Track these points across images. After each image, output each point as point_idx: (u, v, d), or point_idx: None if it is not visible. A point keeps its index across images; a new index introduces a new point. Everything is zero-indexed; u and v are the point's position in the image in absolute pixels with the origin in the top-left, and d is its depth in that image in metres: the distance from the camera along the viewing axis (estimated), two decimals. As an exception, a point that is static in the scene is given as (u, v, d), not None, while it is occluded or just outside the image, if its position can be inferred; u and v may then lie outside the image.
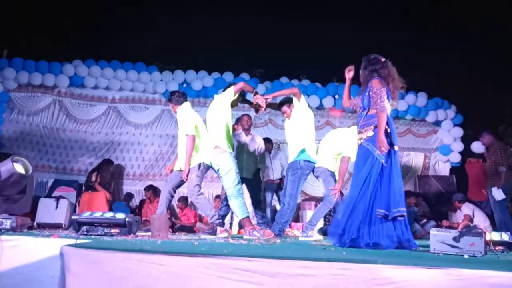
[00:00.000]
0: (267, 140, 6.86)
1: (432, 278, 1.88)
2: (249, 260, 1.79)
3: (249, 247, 2.56)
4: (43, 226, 5.88)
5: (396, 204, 3.21)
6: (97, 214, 3.24)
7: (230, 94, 4.44)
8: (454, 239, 2.90)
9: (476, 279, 1.88)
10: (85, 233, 3.07)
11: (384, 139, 3.24)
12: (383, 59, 3.44)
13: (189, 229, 6.56)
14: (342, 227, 3.19)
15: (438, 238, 2.94)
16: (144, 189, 7.27)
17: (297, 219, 6.96)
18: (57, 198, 6.59)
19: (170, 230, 6.44)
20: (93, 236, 3.07)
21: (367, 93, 3.36)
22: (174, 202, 7.35)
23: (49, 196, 6.81)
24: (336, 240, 3.20)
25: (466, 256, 2.76)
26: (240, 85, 4.51)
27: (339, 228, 3.21)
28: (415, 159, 8.51)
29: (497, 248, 3.42)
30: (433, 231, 2.97)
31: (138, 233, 3.78)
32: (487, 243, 2.93)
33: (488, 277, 1.88)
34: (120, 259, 1.72)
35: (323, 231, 6.04)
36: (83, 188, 6.94)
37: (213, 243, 2.87)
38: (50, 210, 6.34)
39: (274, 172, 6.64)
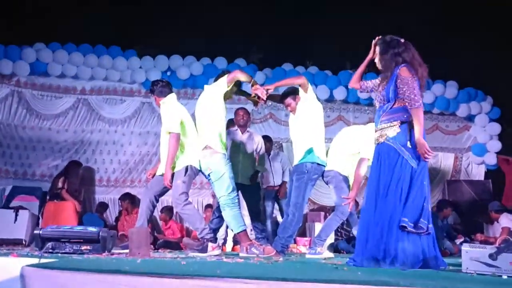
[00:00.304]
0: (266, 139, 6.83)
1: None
2: (246, 283, 1.79)
3: (246, 267, 2.57)
4: (-1, 243, 5.87)
5: (426, 216, 3.23)
6: (65, 228, 3.24)
7: (223, 84, 4.44)
8: (491, 256, 2.90)
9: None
10: (51, 250, 3.07)
11: (425, 142, 3.25)
12: (403, 40, 3.44)
13: (175, 245, 6.54)
14: (382, 247, 3.18)
15: (472, 255, 2.94)
16: (120, 198, 7.26)
17: (303, 233, 6.98)
18: (16, 209, 6.57)
19: (152, 246, 6.44)
20: (60, 254, 3.06)
21: (394, 83, 3.36)
22: (157, 214, 7.35)
23: (6, 206, 6.79)
24: (372, 265, 3.20)
25: (505, 277, 2.76)
26: (235, 73, 4.51)
27: (378, 250, 3.19)
28: (444, 161, 8.55)
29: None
30: (465, 247, 2.98)
31: (113, 250, 3.78)
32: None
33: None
34: (92, 282, 1.72)
35: (335, 247, 6.08)
36: (48, 196, 6.88)
37: (203, 262, 2.87)
38: (8, 223, 6.32)
39: (275, 177, 6.62)
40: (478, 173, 8.46)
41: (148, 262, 2.65)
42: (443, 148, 8.54)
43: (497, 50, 8.66)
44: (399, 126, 3.31)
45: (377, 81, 3.59)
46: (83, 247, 3.14)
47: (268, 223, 6.63)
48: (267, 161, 6.73)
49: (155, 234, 7.25)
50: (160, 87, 4.61)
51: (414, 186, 3.24)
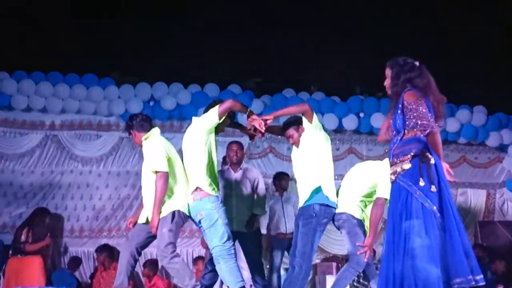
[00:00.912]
0: (280, 176, 6.89)
1: None
2: None
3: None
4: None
5: (457, 270, 3.19)
6: (29, 290, 3.17)
7: (214, 115, 4.44)
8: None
9: None
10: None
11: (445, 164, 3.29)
12: (418, 63, 3.48)
13: (160, 306, 6.50)
14: None
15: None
16: (96, 251, 7.19)
17: (313, 287, 6.90)
18: (-28, 267, 6.50)
19: (134, 308, 6.35)
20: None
21: (400, 111, 3.39)
22: (139, 269, 7.27)
23: (-40, 263, 6.72)
24: None
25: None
26: (228, 104, 4.51)
27: None
28: (475, 199, 8.55)
29: None
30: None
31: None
32: None
33: None
34: None
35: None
36: (10, 251, 6.83)
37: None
38: (-38, 284, 6.24)
39: (287, 223, 6.60)
40: (515, 212, 8.44)
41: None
42: (473, 184, 8.54)
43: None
44: (410, 161, 3.31)
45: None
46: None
47: (275, 278, 6.55)
48: (278, 203, 6.74)
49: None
50: (140, 120, 4.63)
51: (433, 233, 3.22)
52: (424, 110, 3.29)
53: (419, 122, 3.27)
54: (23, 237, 6.73)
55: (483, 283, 3.21)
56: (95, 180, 7.94)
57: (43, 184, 7.82)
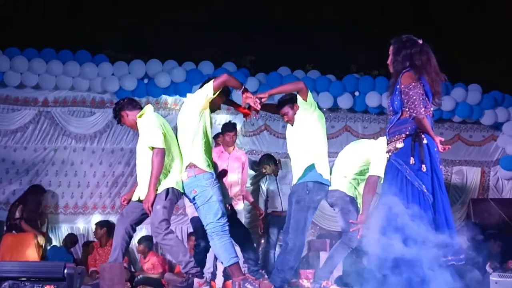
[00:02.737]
0: (272, 161, 7.03)
1: None
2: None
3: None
4: None
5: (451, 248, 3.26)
6: (24, 265, 3.22)
7: (208, 90, 4.44)
8: (524, 287, 2.93)
9: None
10: (6, 291, 3.05)
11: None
12: (421, 41, 3.50)
13: (155, 282, 6.54)
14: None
15: (502, 286, 2.98)
16: (96, 225, 7.20)
17: (306, 264, 6.97)
18: (-32, 243, 6.54)
19: (128, 284, 6.40)
20: (17, 296, 3.05)
21: (397, 92, 3.42)
22: (134, 245, 7.33)
23: (-45, 240, 6.76)
24: None
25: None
26: (223, 78, 4.51)
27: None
28: (469, 176, 8.60)
29: None
30: (494, 277, 3.01)
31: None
32: None
33: None
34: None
35: (344, 282, 6.06)
36: (4, 227, 6.88)
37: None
38: (-42, 260, 6.28)
39: (283, 201, 6.73)
40: (509, 189, 8.50)
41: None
42: (468, 161, 8.60)
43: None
44: (403, 140, 3.36)
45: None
46: (46, 287, 3.12)
47: (271, 255, 6.66)
48: (273, 182, 6.90)
49: (132, 269, 7.22)
50: (128, 100, 4.68)
51: (436, 206, 3.29)
52: (414, 96, 3.33)
53: (408, 105, 3.34)
54: (17, 214, 6.79)
55: (463, 262, 3.30)
56: (89, 157, 7.93)
57: (36, 160, 7.81)
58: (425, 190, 3.29)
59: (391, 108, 3.52)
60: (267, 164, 7.12)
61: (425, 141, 3.37)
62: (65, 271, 3.18)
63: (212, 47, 8.52)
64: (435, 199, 3.32)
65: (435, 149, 3.41)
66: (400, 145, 3.36)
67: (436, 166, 3.38)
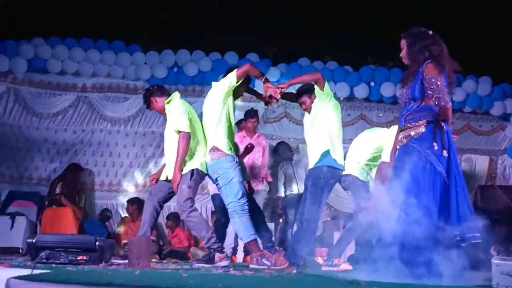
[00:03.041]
0: (285, 147, 7.01)
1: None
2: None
3: (253, 280, 2.56)
4: (-6, 251, 5.96)
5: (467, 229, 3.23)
6: (60, 237, 3.28)
7: (232, 79, 4.43)
8: (524, 270, 2.86)
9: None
10: (44, 260, 3.11)
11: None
12: (431, 33, 3.43)
13: (182, 255, 6.59)
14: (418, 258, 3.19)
15: (503, 269, 2.90)
16: (128, 201, 7.29)
17: (322, 242, 6.95)
18: (13, 215, 6.68)
19: (157, 256, 6.48)
20: (54, 265, 3.10)
21: (419, 81, 3.36)
22: (163, 221, 7.40)
23: (2, 212, 6.91)
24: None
25: (540, 293, 2.71)
26: (245, 67, 4.49)
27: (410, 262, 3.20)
28: (478, 164, 8.46)
29: None
30: (496, 260, 2.94)
31: (113, 261, 3.81)
32: None
33: None
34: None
35: (356, 259, 6.03)
36: (46, 202, 7.00)
37: (207, 274, 2.88)
38: (4, 231, 6.46)
39: (299, 184, 6.71)
40: (515, 177, 8.35)
41: (147, 274, 2.66)
42: (477, 150, 8.44)
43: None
44: (425, 126, 3.30)
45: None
46: (79, 257, 3.17)
47: (289, 233, 6.68)
48: (289, 167, 6.88)
49: (161, 243, 7.30)
50: (157, 87, 4.69)
51: (442, 195, 3.23)
52: (442, 85, 3.27)
53: (436, 95, 3.26)
54: (58, 190, 6.89)
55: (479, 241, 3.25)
56: (123, 139, 7.97)
57: (75, 141, 7.89)
58: (445, 175, 3.24)
59: (409, 96, 3.43)
60: (281, 150, 7.11)
61: (445, 128, 3.31)
62: (97, 243, 3.23)
63: (237, 38, 8.47)
64: (456, 183, 3.27)
65: (453, 138, 3.38)
66: (422, 129, 3.29)
67: (454, 153, 3.33)
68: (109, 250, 3.41)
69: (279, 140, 7.93)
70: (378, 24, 8.64)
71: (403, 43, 3.53)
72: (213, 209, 7.54)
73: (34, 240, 3.31)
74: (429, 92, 3.29)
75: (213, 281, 2.26)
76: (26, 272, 2.55)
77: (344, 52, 8.34)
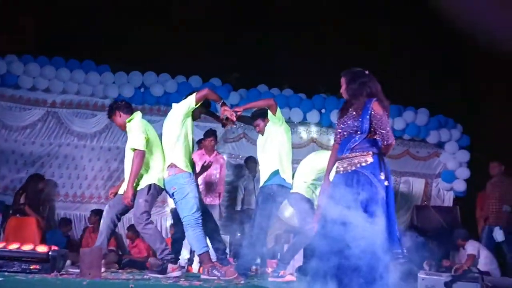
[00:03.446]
0: (249, 160, 7.02)
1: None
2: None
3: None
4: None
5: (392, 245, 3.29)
6: (13, 247, 3.14)
7: (191, 102, 4.42)
8: (446, 285, 2.94)
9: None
10: (-3, 269, 2.98)
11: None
12: (367, 72, 3.53)
13: (140, 265, 6.41)
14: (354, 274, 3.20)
15: (428, 283, 2.97)
16: (91, 212, 7.11)
17: (273, 254, 6.93)
18: (-23, 223, 6.41)
19: (116, 265, 6.31)
20: (6, 273, 2.96)
21: (368, 116, 3.40)
22: (123, 231, 7.22)
23: (-33, 220, 6.62)
24: None
25: (458, 306, 2.78)
26: (204, 92, 4.50)
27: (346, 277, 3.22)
28: (415, 186, 8.62)
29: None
30: (422, 275, 3.01)
31: (70, 270, 3.68)
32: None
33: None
34: (21, 305, 1.66)
35: (303, 271, 6.03)
36: (10, 211, 6.75)
37: (155, 285, 2.81)
38: (-33, 238, 6.15)
39: None
40: (448, 199, 8.56)
41: (94, 284, 2.57)
42: (414, 173, 8.62)
43: (466, 81, 8.89)
44: (371, 156, 3.36)
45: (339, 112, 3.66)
46: (32, 266, 3.04)
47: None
48: (250, 182, 6.88)
49: (119, 253, 7.12)
50: (125, 104, 4.63)
51: (390, 215, 3.30)
52: (387, 123, 3.36)
53: (381, 132, 3.33)
54: (21, 200, 6.66)
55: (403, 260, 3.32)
56: (89, 153, 7.80)
57: (42, 154, 7.68)
58: (384, 198, 3.30)
59: (356, 128, 3.46)
60: (251, 162, 7.10)
61: (385, 161, 3.40)
62: (50, 253, 3.11)
63: (201, 63, 8.48)
64: (389, 208, 3.34)
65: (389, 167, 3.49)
66: (370, 159, 3.34)
67: (391, 181, 3.42)
68: (62, 259, 3.29)
69: (238, 159, 7.96)
70: (330, 58, 8.82)
71: (343, 80, 3.59)
72: (172, 221, 7.50)
73: (-13, 249, 3.17)
74: (375, 127, 3.36)
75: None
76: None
77: (299, 81, 8.45)
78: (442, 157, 8.47)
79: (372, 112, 3.36)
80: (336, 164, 3.52)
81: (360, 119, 3.40)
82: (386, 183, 3.32)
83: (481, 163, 7.84)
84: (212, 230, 4.96)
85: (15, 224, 6.45)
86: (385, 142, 3.34)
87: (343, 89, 3.58)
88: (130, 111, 4.62)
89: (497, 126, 8.40)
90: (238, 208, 7.48)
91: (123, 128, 4.60)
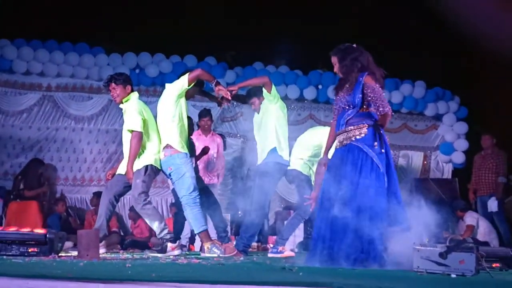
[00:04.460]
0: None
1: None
2: (178, 286, 1.77)
3: (190, 268, 2.53)
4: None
5: (396, 219, 3.30)
6: (11, 230, 3.16)
7: (183, 82, 4.39)
8: (441, 255, 2.93)
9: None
10: (-4, 252, 3.00)
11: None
12: (355, 45, 3.53)
13: (143, 245, 6.47)
14: (351, 246, 3.23)
15: (422, 254, 2.97)
16: (93, 194, 7.13)
17: (274, 231, 6.98)
18: (-22, 208, 6.44)
19: (119, 246, 6.36)
20: (5, 257, 2.99)
21: (359, 90, 3.41)
22: (125, 212, 7.27)
23: (-32, 206, 6.65)
24: (331, 264, 3.22)
25: (453, 276, 2.79)
26: (197, 72, 4.46)
27: (342, 249, 3.24)
28: (414, 159, 8.63)
29: (494, 265, 3.50)
30: (416, 246, 3.01)
31: (71, 252, 3.72)
32: (479, 260, 2.98)
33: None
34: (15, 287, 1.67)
35: (304, 246, 6.08)
36: (11, 196, 6.77)
37: (150, 264, 2.83)
38: (-31, 223, 6.19)
39: None
40: (447, 171, 8.57)
41: (91, 264, 2.59)
42: (412, 147, 8.62)
43: (465, 52, 8.77)
44: (367, 128, 3.38)
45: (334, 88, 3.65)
46: (30, 249, 3.07)
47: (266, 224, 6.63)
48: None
49: (121, 233, 7.18)
50: (126, 77, 4.56)
51: (390, 185, 3.31)
52: (381, 94, 3.39)
53: (377, 103, 3.36)
54: (21, 185, 6.68)
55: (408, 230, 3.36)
56: (87, 136, 7.79)
57: (40, 138, 7.68)
58: (381, 169, 3.32)
59: (349, 102, 3.49)
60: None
61: (381, 132, 3.42)
62: (47, 236, 3.14)
63: (196, 42, 8.39)
64: (389, 176, 3.36)
65: (387, 138, 3.50)
66: (365, 132, 3.37)
67: (389, 151, 3.46)
68: (60, 242, 3.31)
69: (236, 138, 7.95)
70: (327, 34, 8.71)
71: (334, 59, 3.60)
72: (173, 201, 7.53)
73: (-15, 234, 3.19)
74: (369, 100, 3.40)
75: (150, 271, 2.22)
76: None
77: (295, 58, 8.37)
78: (440, 130, 8.46)
79: (365, 86, 3.37)
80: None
81: (352, 94, 3.41)
82: (382, 151, 3.35)
83: (479, 135, 7.82)
84: (213, 209, 4.99)
85: (16, 209, 6.47)
86: (381, 111, 3.37)
87: (336, 68, 3.60)
88: (129, 86, 4.52)
89: (494, 97, 8.35)
90: (238, 186, 7.49)
91: (116, 99, 4.51)
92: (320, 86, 8.04)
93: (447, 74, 8.78)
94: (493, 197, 6.68)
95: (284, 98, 7.63)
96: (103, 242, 4.27)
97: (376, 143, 3.36)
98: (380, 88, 3.40)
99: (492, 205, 6.61)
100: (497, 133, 7.10)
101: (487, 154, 6.99)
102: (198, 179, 5.26)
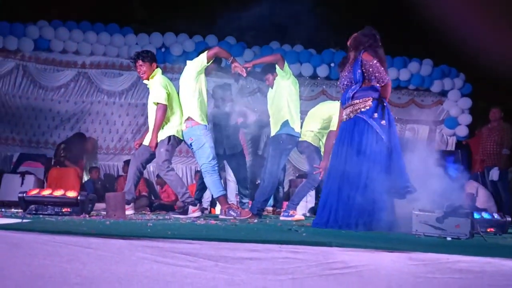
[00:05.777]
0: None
1: (394, 262, 1.87)
2: (190, 243, 1.78)
3: (204, 228, 2.56)
4: (7, 204, 5.89)
5: (401, 180, 3.26)
6: (46, 192, 3.24)
7: (202, 59, 4.35)
8: (438, 220, 2.90)
9: (441, 264, 1.87)
10: (33, 212, 3.08)
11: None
12: (378, 36, 3.48)
13: (169, 208, 6.57)
14: (353, 212, 3.22)
15: (421, 219, 2.94)
16: (124, 162, 7.23)
17: (288, 197, 7.00)
18: (23, 174, 6.61)
19: (148, 209, 6.48)
20: (41, 216, 3.07)
21: (359, 67, 3.37)
22: (154, 178, 7.38)
23: (14, 171, 6.83)
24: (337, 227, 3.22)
25: (449, 239, 2.76)
26: (215, 50, 4.41)
27: (345, 214, 3.23)
28: (420, 133, 8.49)
29: (488, 230, 3.45)
30: (416, 211, 2.98)
31: (102, 213, 3.80)
32: (474, 225, 2.94)
33: (456, 262, 1.87)
34: (43, 242, 1.71)
35: (315, 211, 6.09)
36: (52, 163, 6.92)
37: (170, 224, 2.87)
38: (15, 187, 6.36)
39: None
40: (451, 144, 8.43)
41: (117, 223, 2.64)
42: (419, 121, 8.47)
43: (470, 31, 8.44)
44: (371, 101, 3.34)
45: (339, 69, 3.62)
46: (64, 209, 3.14)
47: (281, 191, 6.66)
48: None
49: (152, 198, 7.30)
50: (153, 55, 4.54)
51: (393, 154, 3.26)
52: (378, 67, 3.34)
53: (375, 76, 3.33)
54: (62, 153, 6.80)
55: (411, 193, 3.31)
56: (118, 110, 7.87)
57: (76, 111, 7.79)
58: (385, 140, 3.28)
59: (351, 79, 3.45)
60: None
61: (385, 104, 3.38)
62: (78, 198, 3.20)
63: (218, 23, 8.28)
64: (392, 146, 3.31)
65: (390, 111, 3.45)
66: (369, 105, 3.33)
67: (393, 122, 3.41)
68: (90, 203, 3.39)
69: (254, 112, 7.91)
70: (339, 14, 8.49)
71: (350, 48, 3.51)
72: (197, 169, 7.60)
73: (24, 195, 3.28)
74: (369, 74, 3.35)
75: (167, 229, 2.25)
76: (16, 221, 2.52)
77: (309, 37, 8.21)
78: (446, 105, 8.29)
79: (363, 61, 3.35)
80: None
81: (352, 71, 3.38)
82: (383, 122, 3.30)
83: (482, 109, 7.63)
84: (241, 177, 5.19)
85: (57, 174, 6.59)
86: (381, 83, 3.35)
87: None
88: (155, 66, 4.50)
89: (498, 74, 8.06)
90: (260, 153, 7.46)
91: (142, 76, 4.49)
92: (332, 64, 7.90)
93: (454, 51, 8.48)
94: (496, 167, 6.58)
95: (299, 75, 7.55)
96: (131, 204, 4.35)
97: (375, 114, 3.33)
98: (377, 62, 3.34)
99: (494, 174, 6.52)
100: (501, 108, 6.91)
101: (493, 127, 6.83)
102: (234, 146, 5.28)
